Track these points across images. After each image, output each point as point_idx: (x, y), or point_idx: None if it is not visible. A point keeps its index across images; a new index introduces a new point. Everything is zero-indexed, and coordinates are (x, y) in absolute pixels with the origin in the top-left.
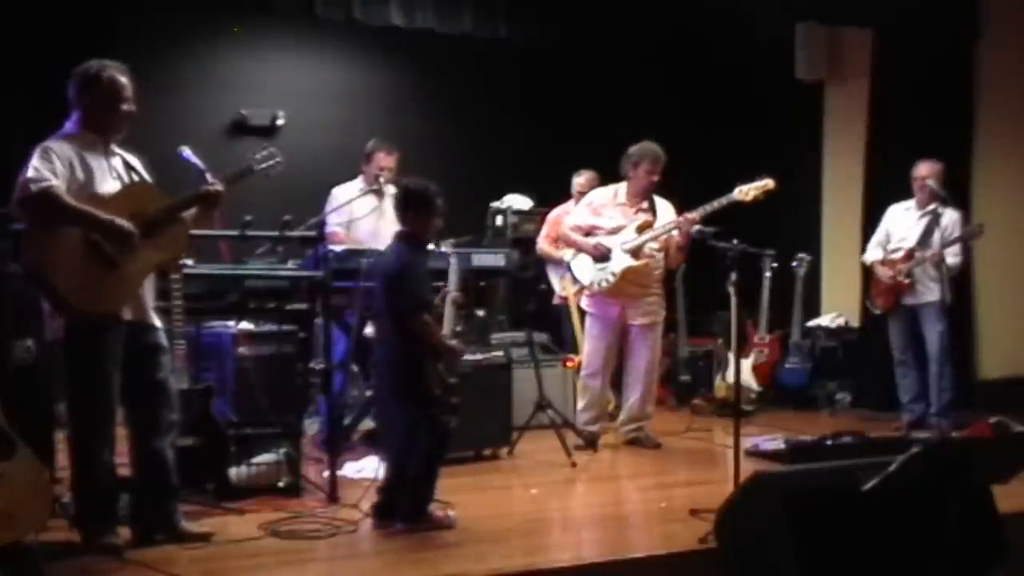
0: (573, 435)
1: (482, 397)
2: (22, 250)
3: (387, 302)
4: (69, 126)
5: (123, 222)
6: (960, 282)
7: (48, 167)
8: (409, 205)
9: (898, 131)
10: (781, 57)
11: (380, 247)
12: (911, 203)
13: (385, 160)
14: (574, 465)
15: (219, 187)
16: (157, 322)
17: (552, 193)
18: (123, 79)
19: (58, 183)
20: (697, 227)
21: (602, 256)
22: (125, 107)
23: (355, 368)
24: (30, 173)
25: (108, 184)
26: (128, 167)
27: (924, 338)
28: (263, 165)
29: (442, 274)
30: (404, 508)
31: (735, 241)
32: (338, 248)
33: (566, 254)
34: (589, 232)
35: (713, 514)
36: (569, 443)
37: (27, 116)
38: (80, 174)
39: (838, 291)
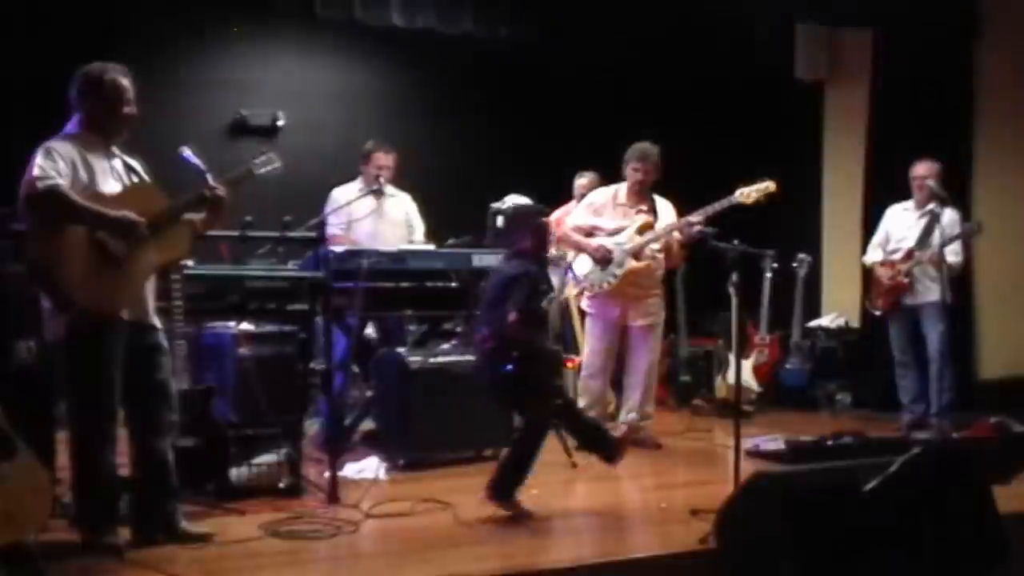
0: None
1: (482, 397)
2: (26, 249)
3: (500, 302)
4: (70, 127)
5: (129, 214)
6: (960, 282)
7: (52, 166)
8: (516, 226)
9: (898, 131)
10: (781, 57)
11: (379, 248)
12: (910, 203)
13: (383, 160)
14: (574, 465)
15: (221, 191)
16: (157, 323)
17: (553, 194)
18: (125, 81)
19: (64, 182)
20: (698, 227)
21: (603, 257)
22: (127, 110)
23: (355, 368)
24: (36, 172)
25: (109, 185)
26: (128, 168)
27: (925, 338)
28: (262, 169)
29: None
30: (494, 485)
31: (735, 241)
32: (338, 249)
33: (568, 255)
34: (590, 233)
35: (713, 514)
36: (569, 443)
37: (27, 116)
38: (83, 174)
39: (838, 291)
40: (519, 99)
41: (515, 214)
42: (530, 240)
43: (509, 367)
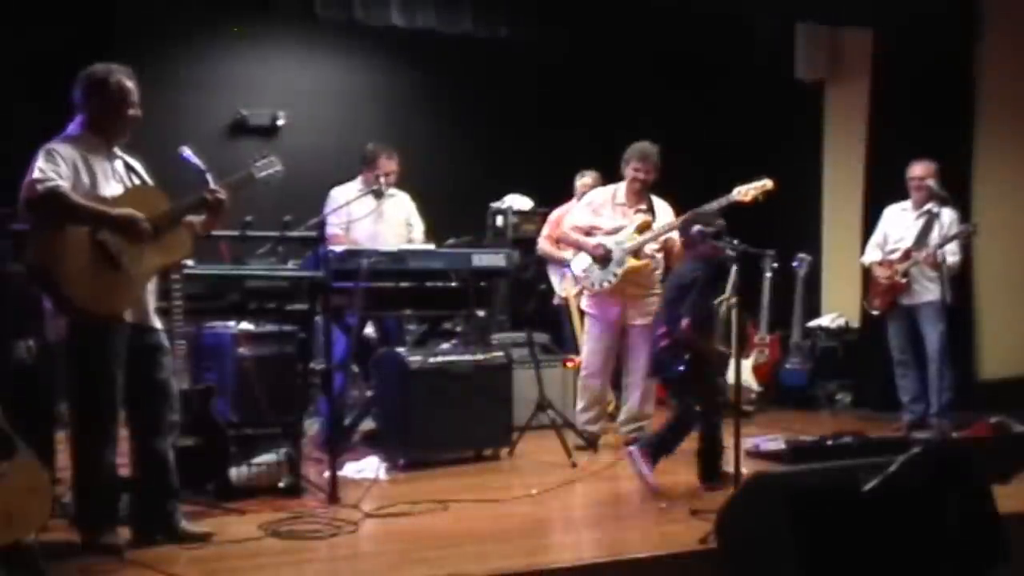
0: (573, 435)
1: (482, 397)
2: (28, 250)
3: (676, 303)
4: (72, 128)
5: (131, 211)
6: (960, 282)
7: (53, 168)
8: (682, 230)
9: (898, 131)
10: (781, 57)
11: (379, 248)
12: (907, 204)
13: (388, 165)
14: (574, 465)
15: (222, 194)
16: (158, 323)
17: (553, 193)
18: (130, 83)
19: (64, 183)
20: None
21: (603, 256)
22: (131, 112)
23: (355, 368)
24: (36, 174)
25: (111, 187)
26: (129, 169)
27: (924, 338)
28: (263, 173)
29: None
30: (646, 446)
31: (735, 241)
32: (338, 248)
33: (567, 254)
34: (589, 232)
35: (713, 514)
36: (569, 443)
37: (26, 116)
38: (84, 176)
39: (838, 291)
40: (519, 99)
41: (696, 220)
42: (707, 245)
43: (681, 368)
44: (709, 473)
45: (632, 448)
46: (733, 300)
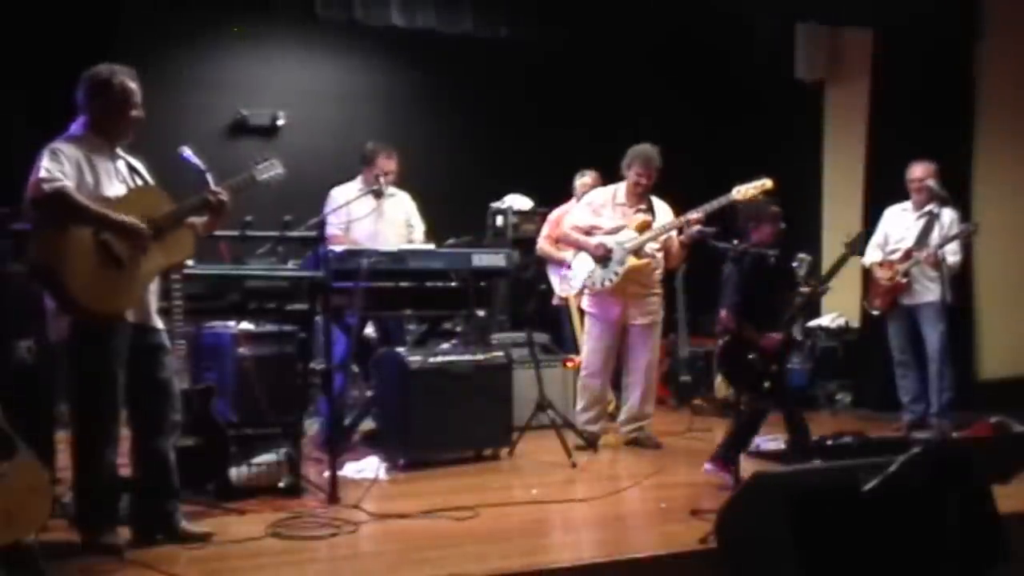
0: (573, 435)
1: (482, 397)
2: (31, 250)
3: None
4: (75, 128)
5: (135, 221)
6: (960, 282)
7: (59, 168)
8: (741, 219)
9: (898, 131)
10: (781, 57)
11: (379, 248)
12: (908, 204)
13: (387, 164)
14: (574, 465)
15: (224, 196)
16: (159, 324)
17: (553, 193)
18: (133, 84)
19: (69, 183)
20: (697, 227)
21: (604, 256)
22: (135, 113)
23: (355, 368)
24: (42, 173)
25: (114, 187)
26: (132, 170)
27: (924, 338)
28: (265, 175)
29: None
30: (716, 456)
31: (735, 241)
32: (338, 248)
33: (568, 254)
34: (589, 232)
35: (713, 514)
36: (569, 443)
37: (28, 116)
38: (88, 176)
39: (838, 291)
40: (519, 99)
41: (751, 208)
42: (765, 230)
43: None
44: (720, 454)
45: (707, 467)
46: (822, 288)
